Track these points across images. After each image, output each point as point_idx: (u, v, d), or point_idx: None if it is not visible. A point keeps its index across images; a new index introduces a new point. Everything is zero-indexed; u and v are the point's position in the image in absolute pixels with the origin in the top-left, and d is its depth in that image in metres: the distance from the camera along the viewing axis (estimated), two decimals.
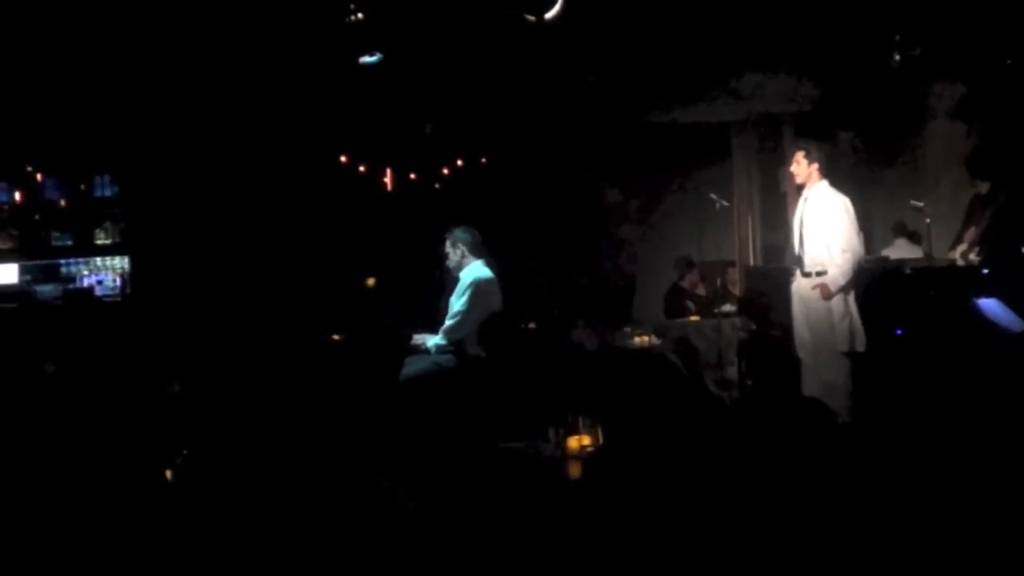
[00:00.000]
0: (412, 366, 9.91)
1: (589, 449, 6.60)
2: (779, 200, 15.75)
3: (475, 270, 10.29)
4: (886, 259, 12.84)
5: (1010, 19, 12.04)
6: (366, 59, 12.51)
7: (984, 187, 13.16)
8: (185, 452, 6.10)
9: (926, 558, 5.09)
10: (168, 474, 5.98)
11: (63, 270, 14.41)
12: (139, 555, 5.05)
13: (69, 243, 14.54)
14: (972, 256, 12.53)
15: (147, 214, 14.27)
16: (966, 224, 13.14)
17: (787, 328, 10.65)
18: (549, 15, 11.57)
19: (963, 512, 5.53)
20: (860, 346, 10.30)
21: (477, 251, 10.40)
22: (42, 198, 14.61)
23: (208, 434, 6.49)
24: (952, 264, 12.54)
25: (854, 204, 10.53)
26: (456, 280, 10.39)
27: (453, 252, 10.39)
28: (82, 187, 14.50)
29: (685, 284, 15.74)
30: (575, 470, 6.36)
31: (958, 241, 13.00)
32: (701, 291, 15.78)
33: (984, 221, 12.76)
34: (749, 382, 12.24)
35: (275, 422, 6.54)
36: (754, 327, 12.78)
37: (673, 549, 4.78)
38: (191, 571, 4.99)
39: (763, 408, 6.31)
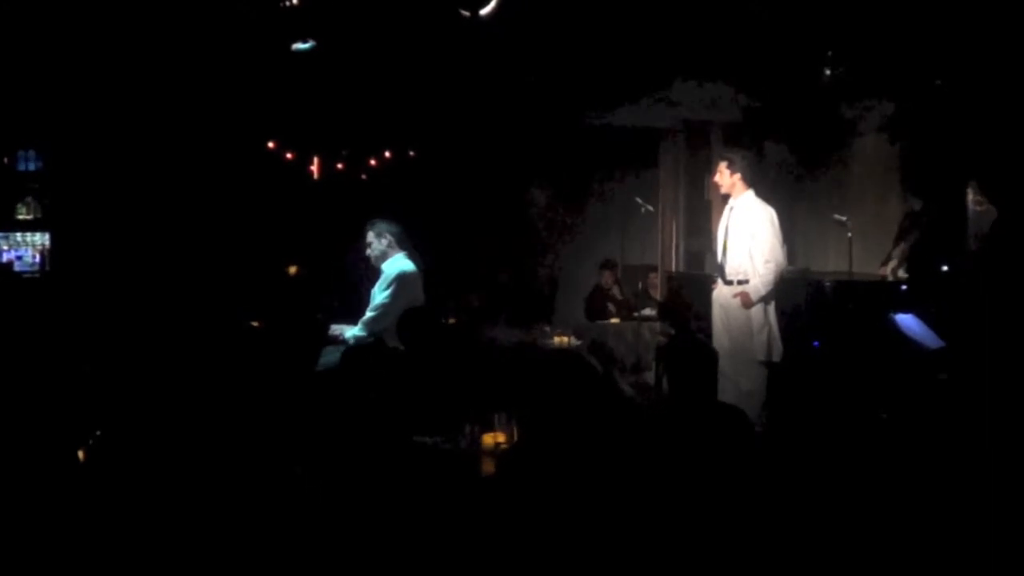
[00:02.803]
0: (329, 357, 9.89)
1: (503, 446, 6.62)
2: (704, 207, 15.83)
3: (399, 263, 10.30)
4: (807, 271, 12.94)
5: (940, 41, 12.16)
6: (299, 46, 12.46)
7: (917, 204, 13.27)
8: (98, 433, 6.07)
9: (828, 562, 5.16)
10: (80, 455, 5.94)
11: None
12: (49, 535, 5.02)
13: None
14: (902, 273, 12.64)
15: (71, 191, 14.15)
16: (898, 241, 13.23)
17: (706, 334, 10.74)
18: (484, 11, 11.58)
19: (861, 519, 5.62)
20: (777, 356, 10.40)
21: (401, 243, 10.42)
22: None
23: (121, 416, 6.46)
24: (872, 279, 12.65)
25: (779, 215, 10.62)
26: (378, 272, 10.40)
27: (377, 242, 10.39)
28: (4, 160, 14.33)
29: (602, 283, 15.82)
30: (488, 466, 6.38)
31: (889, 258, 13.10)
32: (617, 292, 15.85)
33: (912, 238, 12.88)
34: (665, 385, 12.32)
35: (189, 406, 6.52)
36: (673, 332, 12.86)
37: (579, 546, 4.82)
38: (103, 553, 4.98)
39: (677, 411, 6.37)
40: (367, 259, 10.55)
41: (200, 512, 5.16)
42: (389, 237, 10.39)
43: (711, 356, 6.72)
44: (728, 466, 5.78)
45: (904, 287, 11.75)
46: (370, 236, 10.44)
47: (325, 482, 5.50)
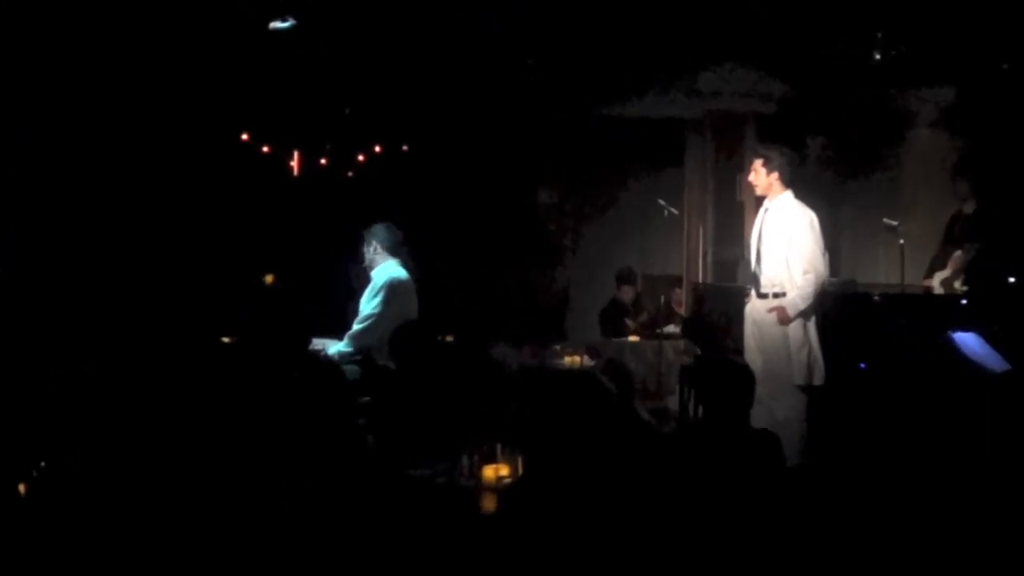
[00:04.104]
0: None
1: (507, 480, 6.58)
2: (735, 210, 15.80)
3: (389, 269, 10.27)
4: (853, 282, 12.88)
5: (1007, 17, 12.09)
6: (277, 24, 12.43)
7: (970, 206, 13.21)
8: (43, 464, 6.05)
9: None
10: (22, 488, 5.93)
11: None
12: None
13: None
14: (957, 285, 12.56)
15: (9, 185, 14.04)
16: (946, 247, 13.17)
17: (737, 354, 10.67)
18: None
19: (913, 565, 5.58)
20: (818, 379, 10.31)
21: (394, 250, 10.38)
22: None
23: (73, 443, 6.44)
24: (928, 292, 12.58)
25: (821, 219, 10.55)
26: (367, 280, 10.37)
27: (366, 249, 10.38)
28: None
29: (620, 295, 15.80)
30: (490, 503, 6.34)
31: (937, 266, 13.04)
32: (640, 308, 15.83)
33: (969, 244, 12.80)
34: (692, 412, 12.29)
35: (150, 432, 6.48)
36: (700, 352, 12.82)
37: None
38: None
39: (706, 442, 6.32)
40: (354, 266, 10.54)
41: (159, 555, 5.13)
42: (376, 244, 10.37)
43: (743, 379, 6.68)
44: (762, 505, 5.75)
45: (964, 301, 11.67)
46: (364, 242, 10.44)
47: (305, 518, 5.46)
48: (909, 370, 10.46)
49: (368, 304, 10.18)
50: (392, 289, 10.14)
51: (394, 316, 9.80)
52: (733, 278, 14.52)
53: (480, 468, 6.75)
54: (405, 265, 10.45)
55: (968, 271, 12.61)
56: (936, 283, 12.77)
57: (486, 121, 15.50)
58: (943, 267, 13.01)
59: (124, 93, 13.68)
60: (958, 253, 12.84)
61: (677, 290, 16.12)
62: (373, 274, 10.32)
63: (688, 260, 16.60)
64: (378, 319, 10.03)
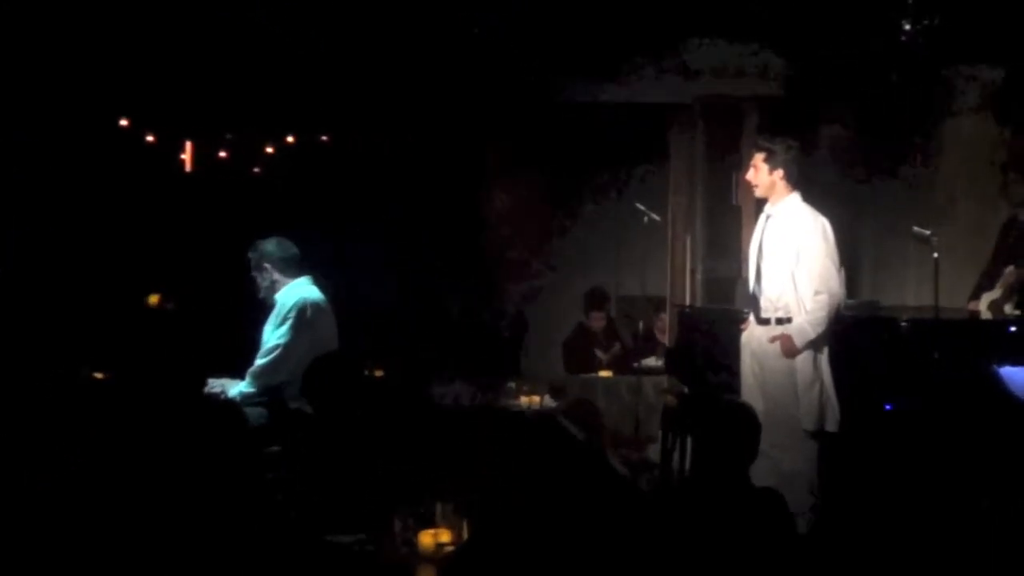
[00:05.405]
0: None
1: (448, 547, 6.57)
2: (731, 217, 15.83)
3: (299, 289, 10.15)
4: (875, 305, 12.88)
5: None
6: None
7: None
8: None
9: None
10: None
11: None
12: None
13: None
14: (1008, 308, 12.55)
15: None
16: (998, 262, 13.17)
17: (733, 393, 10.66)
18: None
19: None
20: (832, 424, 10.31)
21: (293, 269, 10.26)
22: None
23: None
24: (969, 317, 12.59)
25: (835, 227, 10.55)
26: (271, 304, 10.26)
27: (260, 275, 10.24)
28: None
29: (588, 321, 15.83)
30: (428, 575, 6.34)
31: (986, 285, 13.04)
32: (614, 337, 15.86)
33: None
34: (677, 464, 12.30)
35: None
36: (686, 390, 12.84)
37: None
38: None
39: (695, 502, 6.34)
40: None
41: None
42: (267, 265, 10.24)
43: (751, 421, 6.71)
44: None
45: (1013, 328, 11.68)
46: (251, 265, 10.30)
47: None
48: (945, 411, 10.47)
49: (274, 333, 10.03)
50: (303, 313, 10.01)
51: (307, 346, 9.70)
52: (728, 300, 14.55)
53: (416, 533, 6.75)
54: (318, 282, 10.35)
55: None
56: (984, 306, 12.75)
57: (425, 106, 15.48)
58: (992, 286, 13.01)
59: None
60: (1010, 269, 12.79)
61: (661, 315, 16.16)
62: (278, 296, 10.18)
63: (673, 278, 16.63)
64: (287, 350, 9.92)
